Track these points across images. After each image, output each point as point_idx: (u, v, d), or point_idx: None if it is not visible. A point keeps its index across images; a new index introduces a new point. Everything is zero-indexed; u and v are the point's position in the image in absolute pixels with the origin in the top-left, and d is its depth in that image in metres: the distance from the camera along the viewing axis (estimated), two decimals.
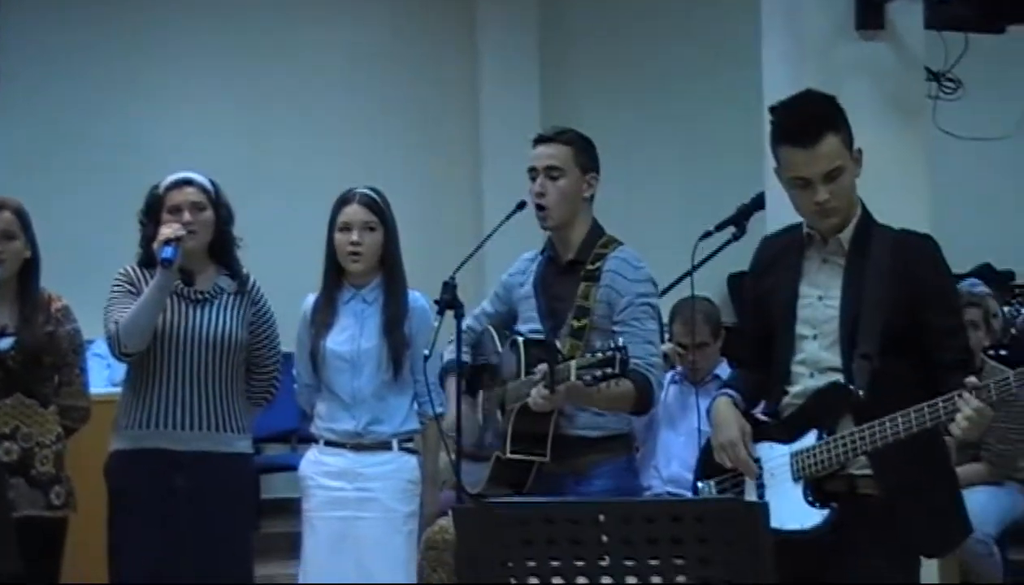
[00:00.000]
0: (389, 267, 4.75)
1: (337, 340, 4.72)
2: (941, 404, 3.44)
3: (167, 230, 4.51)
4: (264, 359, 4.81)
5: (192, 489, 4.57)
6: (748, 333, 4.03)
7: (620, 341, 3.90)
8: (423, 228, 7.96)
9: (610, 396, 4.06)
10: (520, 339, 4.32)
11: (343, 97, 9.33)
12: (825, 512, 3.61)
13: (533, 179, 4.39)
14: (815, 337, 3.71)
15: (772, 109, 3.77)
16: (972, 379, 3.40)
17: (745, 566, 2.78)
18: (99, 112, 8.89)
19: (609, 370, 3.84)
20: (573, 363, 3.96)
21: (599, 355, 3.88)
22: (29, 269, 4.72)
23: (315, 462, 4.77)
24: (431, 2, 9.56)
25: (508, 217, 4.58)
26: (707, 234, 4.73)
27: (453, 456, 4.42)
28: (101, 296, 4.70)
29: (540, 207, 4.35)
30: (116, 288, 4.67)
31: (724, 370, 5.45)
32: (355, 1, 9.47)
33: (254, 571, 4.83)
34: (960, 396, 3.39)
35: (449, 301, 4.32)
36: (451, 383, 4.47)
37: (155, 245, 4.52)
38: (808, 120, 3.64)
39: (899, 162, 4.57)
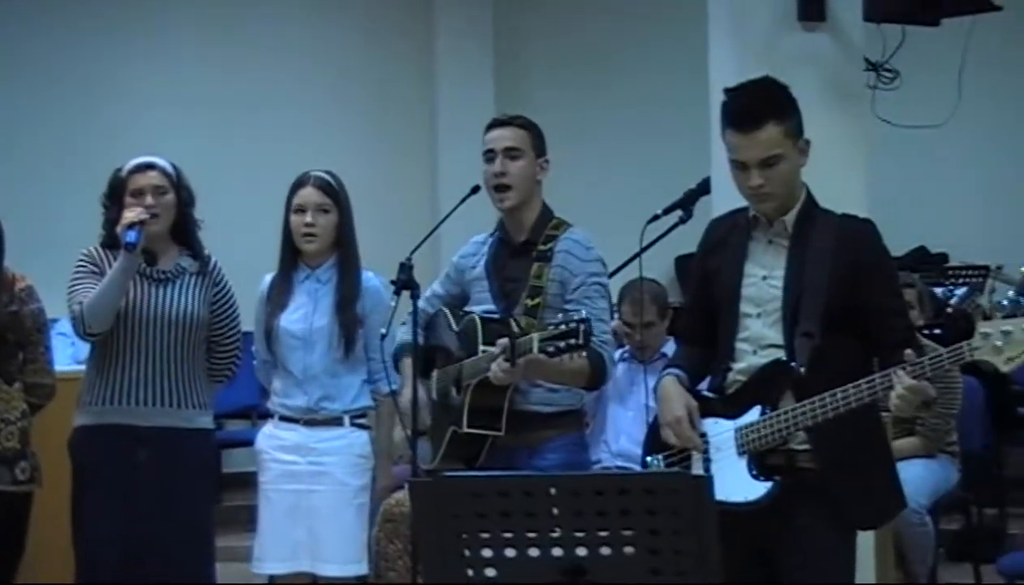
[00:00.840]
0: (343, 248, 4.73)
1: (290, 318, 4.70)
2: (878, 380, 3.47)
3: (130, 214, 4.49)
4: (224, 337, 4.79)
5: (154, 463, 4.56)
6: (693, 311, 4.03)
7: (584, 313, 3.91)
8: (380, 211, 7.96)
9: (567, 370, 4.09)
10: (477, 317, 4.32)
11: (303, 84, 9.32)
12: (768, 485, 3.62)
13: (490, 161, 4.38)
14: (759, 315, 3.72)
15: (726, 91, 3.77)
16: (909, 352, 3.42)
17: (691, 536, 2.79)
18: (63, 97, 8.84)
19: (572, 341, 3.85)
20: (535, 336, 3.96)
21: (562, 327, 3.87)
22: None
23: (270, 436, 4.76)
24: None
25: (463, 200, 4.59)
26: (655, 217, 4.75)
27: (409, 432, 4.44)
28: (65, 276, 4.67)
29: (500, 187, 4.34)
30: (80, 268, 4.64)
31: (671, 348, 5.44)
32: None
33: (215, 542, 4.81)
34: (895, 373, 3.42)
35: (405, 282, 4.37)
36: (406, 364, 4.49)
37: (119, 229, 4.49)
38: (752, 107, 3.65)
39: (839, 149, 4.58)
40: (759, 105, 3.65)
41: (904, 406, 3.46)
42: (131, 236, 4.44)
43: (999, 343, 3.36)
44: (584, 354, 4.02)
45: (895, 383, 3.42)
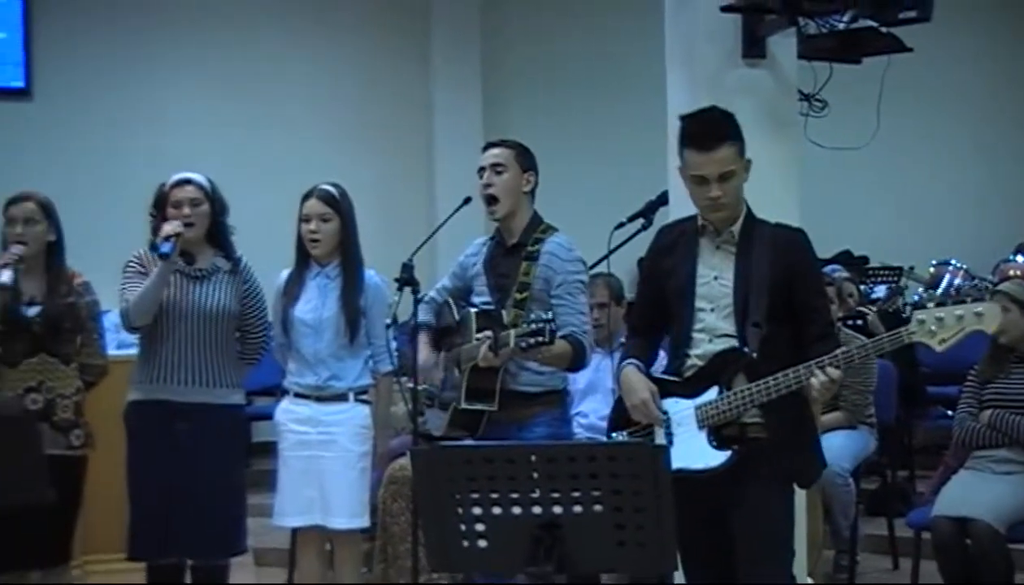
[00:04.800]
0: (346, 250, 4.71)
1: (303, 309, 4.68)
2: (803, 370, 3.52)
3: (167, 227, 4.50)
4: (253, 327, 4.78)
5: (193, 433, 4.55)
6: (643, 305, 4.02)
7: (549, 315, 4.04)
8: (383, 218, 7.95)
9: (552, 355, 4.17)
10: (472, 310, 4.39)
11: (315, 109, 9.33)
12: (728, 453, 3.63)
13: (481, 177, 4.42)
14: (712, 309, 3.72)
15: (682, 117, 3.78)
16: (839, 352, 3.47)
17: (650, 496, 2.78)
18: (114, 123, 8.87)
19: (541, 338, 3.99)
20: (513, 332, 4.07)
21: (532, 325, 3.97)
22: (54, 250, 4.68)
23: (286, 410, 4.74)
24: (391, 27, 9.53)
25: (456, 210, 4.62)
26: (620, 225, 4.77)
27: (410, 406, 4.45)
28: (114, 273, 4.68)
29: (489, 199, 4.38)
30: (129, 269, 4.64)
31: None
32: (325, 26, 9.41)
33: (246, 501, 4.79)
34: (818, 366, 3.47)
35: (407, 279, 4.45)
36: (421, 338, 4.55)
37: (157, 240, 4.50)
38: (711, 130, 3.66)
39: (776, 167, 4.57)
40: (717, 128, 3.66)
41: (823, 393, 3.53)
42: (165, 247, 4.45)
43: (933, 328, 3.39)
44: (553, 347, 4.08)
45: (816, 374, 3.48)
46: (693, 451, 3.63)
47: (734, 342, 3.66)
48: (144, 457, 4.58)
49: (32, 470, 3.63)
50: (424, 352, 4.53)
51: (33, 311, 4.55)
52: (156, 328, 4.59)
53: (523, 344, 4.01)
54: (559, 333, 4.12)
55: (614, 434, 3.91)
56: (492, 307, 4.38)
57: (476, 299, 4.48)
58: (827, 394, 3.57)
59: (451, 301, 4.56)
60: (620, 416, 3.87)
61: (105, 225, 7.62)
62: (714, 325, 3.71)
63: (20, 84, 8.81)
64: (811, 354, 3.54)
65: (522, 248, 4.40)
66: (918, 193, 10.25)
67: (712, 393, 3.66)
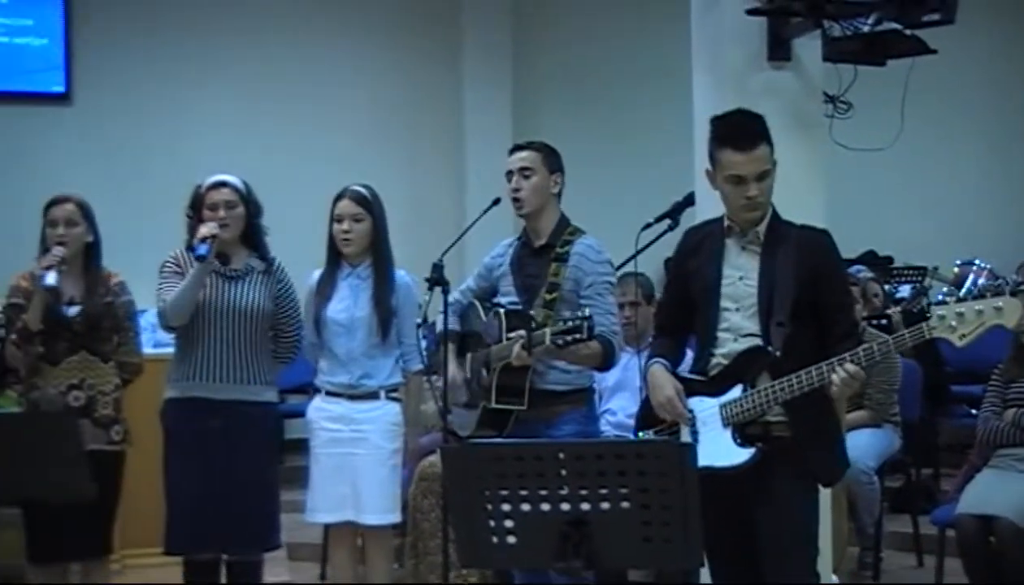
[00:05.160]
0: (377, 250, 4.71)
1: (335, 309, 4.69)
2: (825, 368, 3.51)
3: (204, 229, 4.51)
4: (287, 326, 4.77)
5: (227, 430, 4.56)
6: (670, 305, 4.02)
7: (587, 312, 4.01)
8: (414, 219, 7.98)
9: (583, 354, 4.15)
10: (502, 310, 4.38)
11: (349, 112, 9.32)
12: (751, 451, 3.62)
13: (509, 180, 4.42)
14: (737, 309, 3.71)
15: (714, 119, 3.77)
16: (860, 349, 3.44)
17: (676, 493, 2.78)
18: (151, 127, 8.90)
19: (578, 336, 3.96)
20: (548, 330, 4.05)
21: (569, 323, 3.97)
22: (91, 251, 4.70)
23: (318, 408, 4.74)
24: (424, 32, 9.53)
25: (486, 211, 4.62)
26: (648, 225, 4.75)
27: (441, 405, 4.45)
28: (149, 273, 4.70)
29: (516, 200, 4.38)
30: (165, 270, 4.66)
31: None
32: (358, 31, 9.43)
33: (280, 496, 4.81)
34: (839, 362, 3.45)
35: (437, 279, 4.42)
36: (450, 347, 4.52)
37: (194, 241, 4.52)
38: (748, 130, 3.67)
39: (801, 169, 4.55)
40: (753, 128, 3.67)
41: (844, 389, 3.50)
42: (202, 249, 4.46)
43: (954, 323, 3.38)
44: (596, 341, 4.07)
45: (837, 371, 3.45)
46: (718, 449, 3.62)
47: (758, 341, 3.65)
48: (180, 454, 4.59)
49: (73, 465, 3.65)
50: (451, 369, 4.50)
51: (73, 311, 4.58)
52: (192, 327, 4.60)
53: (559, 341, 3.99)
54: None
55: (641, 433, 3.91)
56: (520, 307, 4.38)
57: (502, 299, 4.47)
58: (848, 390, 3.55)
59: (477, 302, 4.56)
60: (647, 415, 3.87)
61: (140, 226, 7.66)
62: (739, 324, 3.70)
63: (61, 89, 8.87)
64: (835, 353, 3.53)
65: (550, 249, 4.39)
66: (942, 193, 10.19)
67: (736, 391, 3.65)
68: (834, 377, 3.47)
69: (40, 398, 4.52)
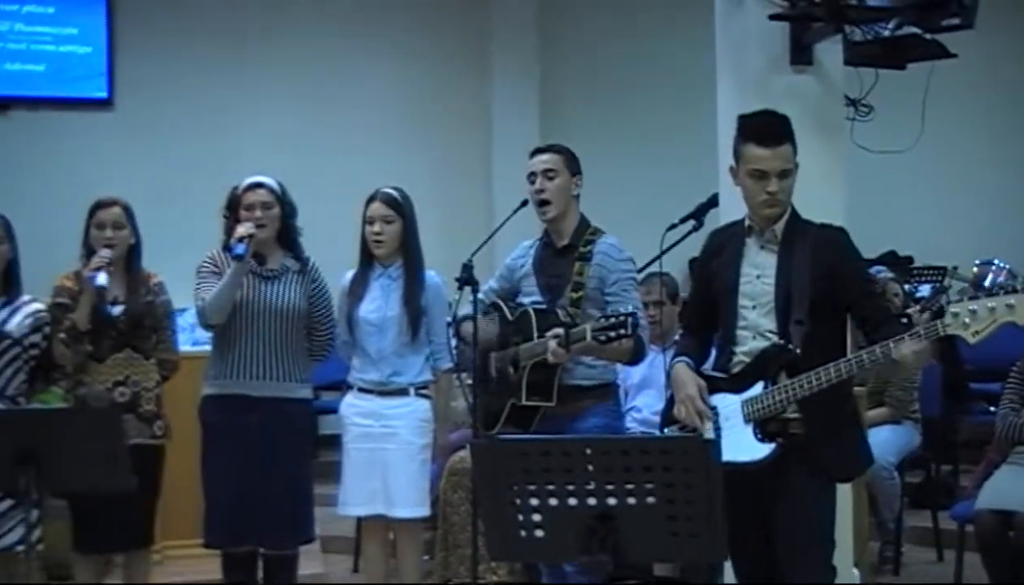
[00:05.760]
0: (408, 251, 4.72)
1: (367, 308, 4.70)
2: (843, 366, 3.50)
3: (241, 229, 4.53)
4: (321, 324, 4.79)
5: (264, 426, 4.58)
6: (695, 306, 4.03)
7: (630, 307, 4.03)
8: (443, 220, 7.98)
9: (615, 350, 4.15)
10: (531, 309, 4.35)
11: (381, 116, 9.34)
12: (772, 446, 3.61)
13: (532, 182, 4.42)
14: (754, 307, 3.71)
15: (742, 116, 3.78)
16: (925, 315, 3.44)
17: (701, 488, 2.77)
18: (188, 130, 8.95)
19: (622, 331, 3.94)
20: (588, 326, 4.03)
21: (612, 320, 3.95)
22: (133, 252, 4.71)
23: (350, 404, 4.76)
24: (453, 38, 9.54)
25: (514, 212, 4.62)
26: (673, 226, 4.76)
27: (471, 400, 4.45)
28: (186, 273, 4.73)
29: (541, 203, 4.38)
30: (203, 270, 4.68)
31: None
32: (389, 39, 9.44)
33: (313, 490, 4.82)
34: (909, 336, 3.43)
35: (467, 279, 4.42)
36: (466, 326, 4.50)
37: (232, 241, 4.54)
38: (774, 127, 3.67)
39: (823, 170, 4.54)
40: (780, 128, 3.67)
41: (916, 361, 3.47)
42: (239, 249, 4.48)
43: (967, 320, 3.37)
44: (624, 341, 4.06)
45: (906, 343, 3.41)
46: (739, 444, 3.61)
47: (776, 339, 3.64)
48: (218, 450, 4.61)
49: (116, 459, 3.68)
50: (482, 325, 4.46)
51: (117, 310, 4.59)
52: (229, 326, 4.62)
53: (601, 337, 3.98)
54: None
55: (667, 429, 3.91)
56: (544, 306, 4.37)
57: (525, 299, 4.46)
58: (919, 363, 3.50)
59: (502, 304, 4.56)
60: (672, 412, 3.86)
61: (178, 227, 7.70)
62: (756, 322, 3.70)
63: (103, 95, 8.95)
64: (879, 336, 3.52)
65: (573, 249, 4.39)
66: (962, 195, 10.12)
67: (758, 388, 3.65)
68: (904, 348, 3.42)
69: (88, 394, 4.55)
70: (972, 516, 5.05)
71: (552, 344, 4.10)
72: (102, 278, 4.44)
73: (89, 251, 4.60)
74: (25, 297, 4.61)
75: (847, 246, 3.74)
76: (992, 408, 6.78)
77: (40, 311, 4.59)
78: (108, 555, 4.73)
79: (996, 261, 8.45)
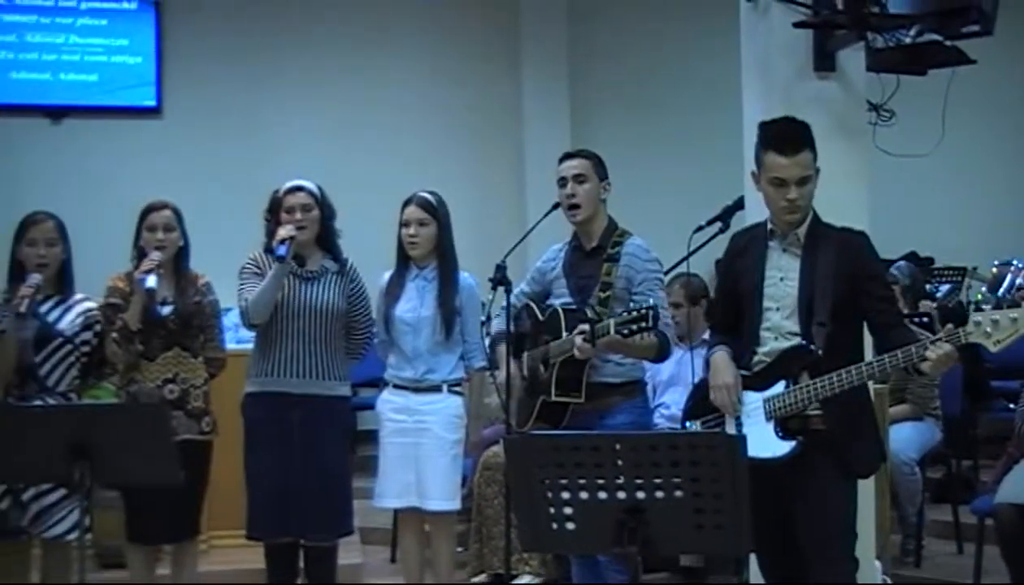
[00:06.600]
0: (443, 253, 4.73)
1: (403, 308, 4.71)
2: (864, 368, 3.49)
3: (282, 231, 4.55)
4: (359, 324, 4.80)
5: (304, 422, 4.59)
6: (721, 305, 4.02)
7: (652, 301, 3.97)
8: (478, 222, 7.99)
9: (641, 346, 4.14)
10: (560, 309, 4.35)
11: (415, 121, 9.35)
12: (793, 443, 3.61)
13: (563, 186, 4.41)
14: (777, 309, 3.70)
15: (763, 124, 3.76)
16: (949, 326, 3.43)
17: (727, 482, 2.77)
18: (232, 137, 9.01)
19: (644, 324, 3.92)
20: (611, 321, 4.01)
21: (634, 313, 3.92)
22: (182, 254, 4.73)
23: (386, 401, 4.77)
24: (485, 46, 9.54)
25: (546, 215, 4.62)
26: (699, 228, 4.74)
27: (503, 398, 4.45)
28: (231, 274, 4.74)
29: (572, 206, 4.38)
30: (246, 271, 4.70)
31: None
32: (424, 47, 9.46)
33: (352, 483, 4.83)
34: (934, 343, 3.41)
35: (500, 280, 4.41)
36: (500, 350, 4.52)
37: (273, 243, 4.56)
38: (793, 135, 3.65)
39: (846, 173, 4.51)
40: (798, 135, 3.65)
41: (940, 366, 3.43)
42: (281, 250, 4.49)
43: (989, 329, 3.35)
44: (653, 333, 4.04)
45: (932, 349, 3.38)
46: (761, 441, 3.60)
47: (798, 340, 3.62)
48: (259, 445, 4.63)
49: (164, 453, 3.70)
50: (504, 365, 4.47)
51: (166, 310, 4.61)
52: (270, 325, 4.64)
53: (624, 331, 3.97)
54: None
55: (688, 423, 3.90)
56: (575, 306, 4.36)
57: (555, 301, 4.46)
58: (942, 368, 3.47)
59: (532, 305, 4.55)
60: (695, 406, 3.86)
61: (221, 230, 7.75)
62: (779, 324, 3.68)
63: (152, 103, 9.04)
64: (888, 340, 3.51)
65: (602, 251, 4.39)
66: (982, 197, 10.05)
67: (780, 387, 3.63)
68: (930, 354, 3.39)
69: (139, 392, 4.58)
70: (992, 510, 5.01)
71: (578, 340, 4.09)
72: (151, 280, 4.46)
73: (141, 253, 4.62)
74: (77, 296, 4.64)
75: (869, 251, 3.73)
76: (1012, 405, 6.73)
77: (91, 310, 4.62)
78: (158, 545, 4.75)
79: (1015, 261, 8.37)
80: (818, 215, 3.73)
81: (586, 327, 4.06)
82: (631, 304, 4.16)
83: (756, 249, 3.78)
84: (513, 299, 4.54)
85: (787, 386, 3.61)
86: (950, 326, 3.41)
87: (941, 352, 3.39)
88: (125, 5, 9.03)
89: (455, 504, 4.74)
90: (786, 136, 3.65)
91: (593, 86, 9.61)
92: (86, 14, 9.03)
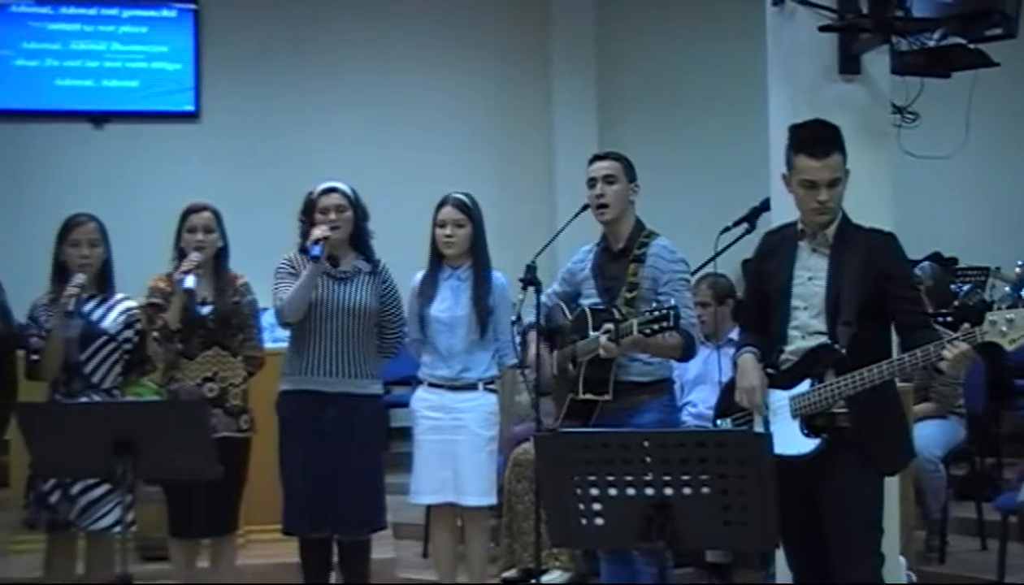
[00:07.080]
0: (476, 253, 4.74)
1: (438, 308, 4.72)
2: (885, 367, 3.46)
3: (317, 231, 4.56)
4: (391, 323, 4.81)
5: (337, 420, 4.60)
6: (750, 304, 4.00)
7: (672, 301, 3.97)
8: (509, 224, 7.94)
9: (665, 345, 4.13)
10: (588, 309, 4.35)
11: (448, 125, 9.36)
12: (818, 441, 3.60)
13: (592, 187, 4.41)
14: (805, 308, 3.69)
15: (793, 126, 3.75)
16: (965, 326, 3.38)
17: (753, 480, 2.77)
18: (268, 141, 9.03)
19: (665, 324, 3.92)
20: (635, 321, 4.01)
21: (656, 313, 3.92)
22: (221, 255, 4.75)
23: (421, 398, 4.78)
24: (514, 51, 9.52)
25: (575, 216, 4.62)
26: (726, 229, 4.74)
27: (534, 396, 4.45)
28: (268, 274, 4.76)
29: (601, 206, 4.37)
30: (281, 271, 4.72)
31: (736, 334, 5.37)
32: (455, 53, 9.46)
33: (385, 480, 4.84)
34: (951, 342, 3.37)
35: (530, 280, 4.41)
36: (532, 336, 4.50)
37: (308, 243, 4.57)
38: (824, 138, 3.64)
39: (871, 176, 4.48)
40: (829, 137, 3.64)
41: (958, 365, 3.41)
42: (316, 250, 4.51)
43: (1004, 328, 3.33)
44: (674, 332, 4.03)
45: (950, 348, 3.35)
46: (787, 438, 3.59)
47: (825, 339, 3.60)
48: (294, 443, 4.64)
49: (203, 449, 3.73)
50: (533, 350, 4.45)
51: (206, 310, 4.63)
52: (304, 325, 4.65)
53: (647, 330, 3.96)
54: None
55: (719, 421, 3.89)
56: (602, 307, 4.36)
57: (584, 301, 4.46)
58: (960, 367, 3.45)
59: (562, 305, 4.56)
60: (725, 404, 3.85)
61: (259, 230, 7.79)
62: (807, 323, 3.67)
63: (191, 108, 9.11)
64: (913, 340, 3.49)
65: (629, 252, 4.38)
66: (1005, 197, 9.96)
67: (805, 385, 3.62)
68: (946, 353, 3.37)
69: (179, 389, 4.61)
70: (1015, 507, 4.98)
71: (603, 339, 4.09)
72: (190, 281, 4.49)
73: (181, 253, 4.65)
74: (118, 295, 4.68)
75: (897, 252, 3.71)
76: None
77: (132, 308, 4.66)
78: (198, 539, 4.78)
79: None
80: (847, 216, 3.72)
81: (611, 326, 4.06)
82: (655, 304, 4.16)
83: (786, 249, 3.77)
84: (545, 299, 4.54)
85: (812, 384, 3.60)
86: (966, 325, 3.38)
87: (957, 351, 3.36)
88: (165, 13, 9.09)
89: (491, 499, 4.75)
90: (816, 139, 3.64)
91: (620, 89, 9.59)
92: (127, 22, 9.10)
